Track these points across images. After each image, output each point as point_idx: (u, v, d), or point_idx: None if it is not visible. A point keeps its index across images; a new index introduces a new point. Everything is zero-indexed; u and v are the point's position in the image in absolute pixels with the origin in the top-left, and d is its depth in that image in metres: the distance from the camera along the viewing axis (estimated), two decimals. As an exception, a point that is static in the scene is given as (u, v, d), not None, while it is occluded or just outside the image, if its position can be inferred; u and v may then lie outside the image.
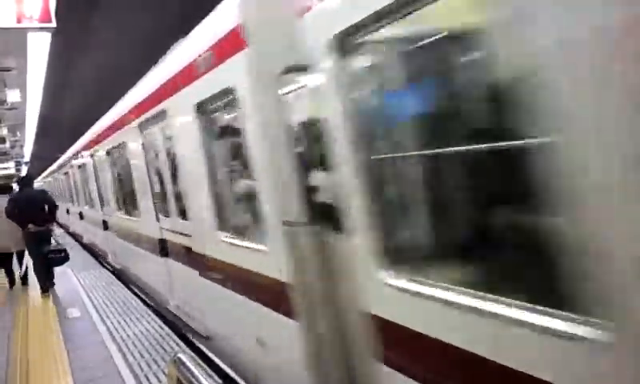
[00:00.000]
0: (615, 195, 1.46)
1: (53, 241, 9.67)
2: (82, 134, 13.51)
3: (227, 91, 3.71)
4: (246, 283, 4.06)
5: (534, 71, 1.66)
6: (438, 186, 2.47)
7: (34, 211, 8.65)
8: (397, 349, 2.53)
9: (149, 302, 8.12)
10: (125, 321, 7.00)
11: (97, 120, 11.06)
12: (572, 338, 1.63)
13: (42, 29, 8.01)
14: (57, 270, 9.56)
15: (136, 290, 9.00)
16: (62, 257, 8.91)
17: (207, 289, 4.95)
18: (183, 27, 4.82)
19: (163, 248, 6.37)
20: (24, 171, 40.41)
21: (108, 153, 9.38)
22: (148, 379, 4.93)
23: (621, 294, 1.48)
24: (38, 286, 9.06)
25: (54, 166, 23.20)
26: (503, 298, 1.92)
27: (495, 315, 1.91)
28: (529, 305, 1.83)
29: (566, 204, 1.60)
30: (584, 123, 1.52)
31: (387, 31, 2.30)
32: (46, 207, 9.00)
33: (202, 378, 2.17)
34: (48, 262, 8.85)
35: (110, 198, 10.00)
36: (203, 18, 4.35)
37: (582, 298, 1.61)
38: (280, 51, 3.00)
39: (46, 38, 9.54)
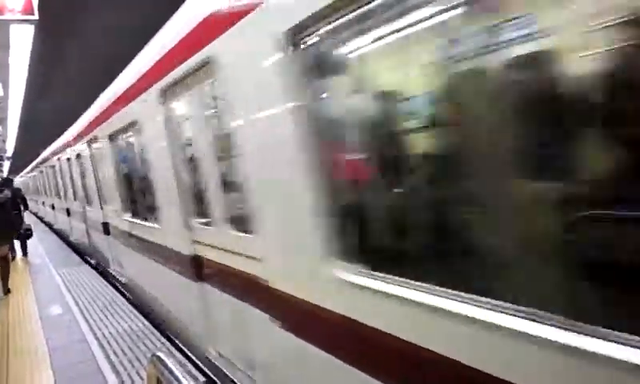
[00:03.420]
0: None
1: None
2: (66, 128, 13.33)
3: None
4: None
5: None
6: None
7: (14, 202, 11.74)
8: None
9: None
10: (107, 318, 6.92)
11: (81, 114, 10.90)
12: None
13: (24, 21, 7.91)
14: (40, 265, 11.57)
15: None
16: (30, 234, 13.50)
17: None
18: (168, 18, 4.73)
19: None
20: (6, 166, 39.90)
21: None
22: (130, 377, 4.88)
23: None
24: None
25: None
26: None
27: None
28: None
29: None
30: None
31: None
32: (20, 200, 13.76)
33: (180, 377, 2.13)
34: (25, 235, 13.02)
35: None
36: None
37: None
38: None
39: (28, 31, 9.40)
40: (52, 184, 18.41)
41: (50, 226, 22.02)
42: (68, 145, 12.15)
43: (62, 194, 15.79)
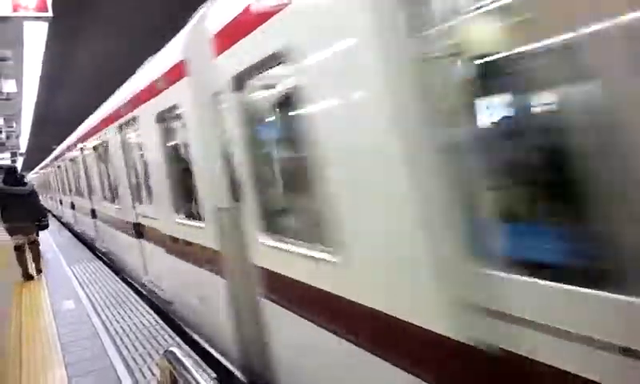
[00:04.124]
0: None
1: None
2: (79, 125, 13.35)
3: None
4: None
5: None
6: None
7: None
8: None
9: None
10: (119, 313, 6.96)
11: (94, 111, 10.92)
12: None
13: (38, 18, 7.96)
14: (52, 260, 11.58)
15: None
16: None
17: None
18: (182, 15, 4.74)
19: None
20: (19, 162, 40.31)
21: None
22: (142, 372, 4.90)
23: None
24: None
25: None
26: None
27: None
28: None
29: None
30: None
31: None
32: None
33: (194, 372, 2.13)
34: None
35: None
36: (201, 4, 4.28)
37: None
38: None
39: (42, 28, 9.47)
40: (94, 177, 11.26)
41: (82, 239, 15.36)
42: (135, 102, 6.68)
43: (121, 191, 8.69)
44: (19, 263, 9.67)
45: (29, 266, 9.79)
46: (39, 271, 9.98)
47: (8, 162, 35.33)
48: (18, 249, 9.57)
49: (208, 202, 4.68)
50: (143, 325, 6.35)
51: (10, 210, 9.35)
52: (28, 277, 9.68)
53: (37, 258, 10.01)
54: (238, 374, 4.55)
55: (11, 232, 9.51)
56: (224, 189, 4.23)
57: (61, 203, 21.35)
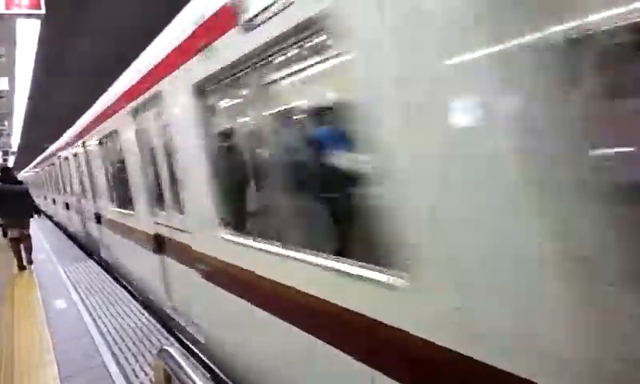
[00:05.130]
0: None
1: None
2: (72, 123, 13.26)
3: None
4: None
5: None
6: None
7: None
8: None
9: None
10: (111, 313, 6.93)
11: (87, 109, 10.85)
12: None
13: (30, 15, 7.93)
14: (44, 260, 11.40)
15: None
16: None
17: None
18: (174, 13, 4.72)
19: None
20: (11, 161, 40.04)
21: None
22: (134, 372, 4.87)
23: None
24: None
25: None
26: None
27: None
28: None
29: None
30: None
31: None
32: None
33: (189, 370, 2.12)
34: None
35: None
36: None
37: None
38: None
39: (35, 25, 9.41)
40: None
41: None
42: None
43: None
44: (14, 253, 10.40)
45: (22, 257, 10.55)
46: (30, 262, 10.70)
47: (-1, 161, 35.05)
48: (14, 240, 10.32)
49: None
50: (135, 324, 6.33)
51: (8, 206, 10.04)
52: (22, 267, 10.45)
53: (29, 249, 10.73)
54: (222, 376, 4.55)
55: (10, 226, 10.22)
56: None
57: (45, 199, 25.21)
